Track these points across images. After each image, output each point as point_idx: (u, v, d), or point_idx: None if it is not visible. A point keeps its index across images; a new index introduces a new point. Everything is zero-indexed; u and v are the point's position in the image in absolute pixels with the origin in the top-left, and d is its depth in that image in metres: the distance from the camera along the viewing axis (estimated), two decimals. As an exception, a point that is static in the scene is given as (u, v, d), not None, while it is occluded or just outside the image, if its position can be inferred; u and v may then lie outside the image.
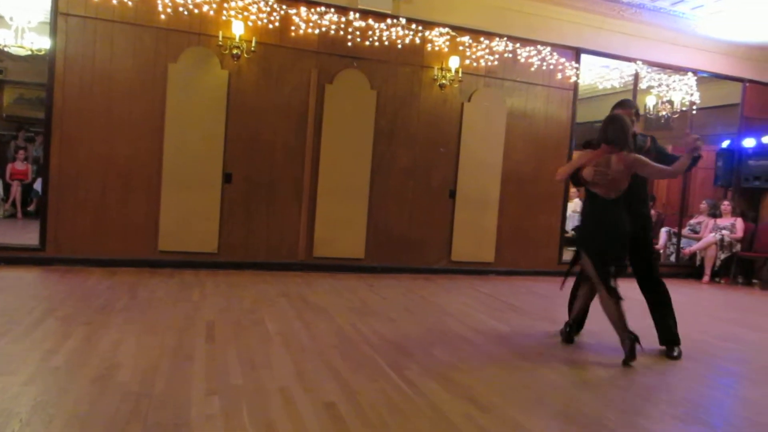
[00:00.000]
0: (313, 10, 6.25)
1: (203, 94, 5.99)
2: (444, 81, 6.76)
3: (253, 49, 6.00)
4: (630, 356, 3.58)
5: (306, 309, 4.57)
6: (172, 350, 3.24)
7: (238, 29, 5.92)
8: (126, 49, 5.77)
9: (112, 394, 2.55)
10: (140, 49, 5.81)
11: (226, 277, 5.68)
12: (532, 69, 7.22)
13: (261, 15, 6.07)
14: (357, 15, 6.39)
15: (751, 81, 8.53)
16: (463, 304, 5.26)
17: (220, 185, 6.11)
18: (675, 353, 3.89)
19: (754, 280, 8.35)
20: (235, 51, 5.95)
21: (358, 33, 6.42)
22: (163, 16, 5.77)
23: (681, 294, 6.84)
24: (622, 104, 4.14)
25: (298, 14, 6.21)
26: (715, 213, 8.62)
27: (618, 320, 3.64)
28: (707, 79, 8.33)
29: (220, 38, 5.89)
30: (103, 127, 5.73)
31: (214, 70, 6.01)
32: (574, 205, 10.66)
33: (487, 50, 6.97)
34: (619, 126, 3.71)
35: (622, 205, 3.73)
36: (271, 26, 6.12)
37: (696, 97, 8.21)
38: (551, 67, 7.29)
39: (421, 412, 2.63)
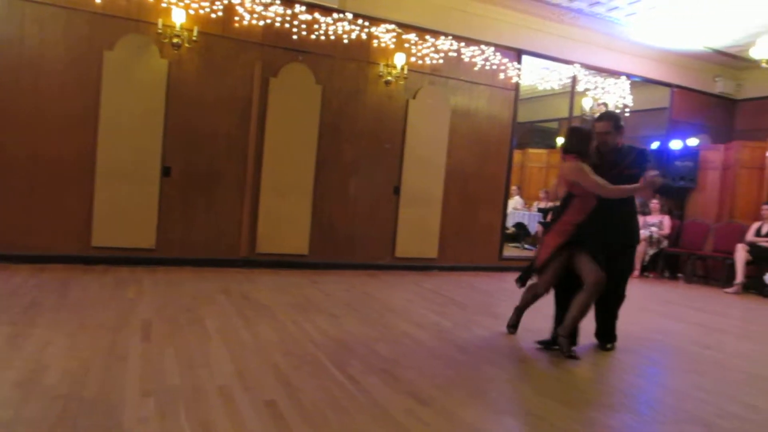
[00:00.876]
0: (257, 0, 6.13)
1: (141, 84, 5.77)
2: (389, 78, 6.79)
3: (194, 38, 5.83)
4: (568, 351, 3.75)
5: (247, 306, 4.49)
6: (105, 351, 3.11)
7: (178, 17, 5.73)
8: (57, 34, 5.48)
9: (37, 398, 2.43)
10: (73, 34, 5.53)
11: (165, 274, 5.51)
12: (476, 68, 7.35)
13: (203, 3, 5.91)
14: (303, 8, 6.32)
15: (678, 86, 9.01)
16: (407, 300, 5.31)
17: (159, 179, 5.91)
18: (609, 345, 4.08)
19: (679, 275, 8.83)
20: (175, 40, 5.76)
21: (303, 26, 6.35)
22: (98, 0, 5.52)
23: (613, 288, 7.15)
24: (600, 118, 4.16)
25: (242, 4, 6.08)
26: (644, 211, 9.05)
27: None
28: (639, 83, 8.73)
29: (160, 26, 5.69)
30: (32, 116, 5.43)
31: (153, 59, 5.80)
32: (515, 203, 10.98)
33: (432, 48, 7.05)
34: (577, 135, 3.88)
35: (560, 206, 3.90)
36: (213, 15, 5.97)
37: (629, 100, 8.59)
38: (494, 67, 7.44)
39: (363, 408, 2.64)
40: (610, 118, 4.11)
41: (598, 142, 3.99)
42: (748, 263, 7.61)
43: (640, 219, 8.83)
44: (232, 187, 6.24)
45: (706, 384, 3.45)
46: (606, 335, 4.14)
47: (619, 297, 4.16)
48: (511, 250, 9.17)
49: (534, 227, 10.34)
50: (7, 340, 3.14)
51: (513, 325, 4.29)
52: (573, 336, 3.86)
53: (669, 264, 8.89)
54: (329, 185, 6.68)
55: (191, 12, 5.85)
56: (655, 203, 8.90)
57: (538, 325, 4.31)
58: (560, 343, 3.79)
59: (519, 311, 4.29)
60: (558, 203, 4.05)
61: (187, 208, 6.07)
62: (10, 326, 3.40)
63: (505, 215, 7.91)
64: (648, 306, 6.27)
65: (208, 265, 6.08)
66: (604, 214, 3.84)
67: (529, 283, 4.11)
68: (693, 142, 9.08)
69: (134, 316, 3.88)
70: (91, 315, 3.82)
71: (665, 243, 8.68)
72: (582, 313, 3.77)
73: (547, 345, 3.95)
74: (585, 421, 2.73)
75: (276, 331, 3.81)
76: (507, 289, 6.36)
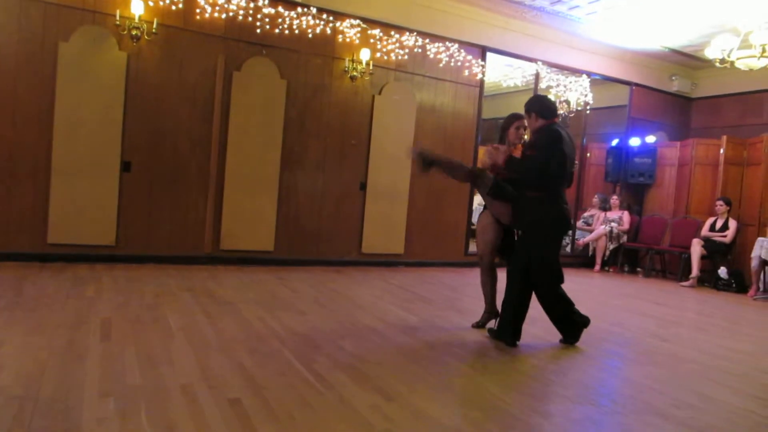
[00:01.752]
0: (219, -7, 6.02)
1: (99, 77, 5.60)
2: (355, 73, 6.76)
3: (154, 30, 5.69)
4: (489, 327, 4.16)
5: (211, 303, 4.42)
6: (62, 350, 3.02)
7: (137, 8, 5.58)
8: (9, 24, 5.27)
9: (-9, 400, 2.34)
10: (26, 25, 5.33)
11: (125, 271, 5.38)
12: (441, 65, 7.39)
13: (163, -5, 5.77)
14: (266, 1, 6.23)
15: (637, 84, 9.25)
16: (374, 296, 5.31)
17: (118, 174, 5.76)
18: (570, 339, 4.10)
19: (638, 269, 9.09)
20: (134, 32, 5.61)
21: (267, 20, 6.27)
22: (52, -10, 5.33)
23: (575, 283, 7.30)
24: None
25: (203, -3, 5.96)
26: (605, 206, 9.28)
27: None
28: (599, 81, 8.93)
29: (118, 18, 5.53)
30: (-18, 109, 5.23)
31: (112, 51, 5.64)
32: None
33: (397, 44, 7.05)
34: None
35: None
36: (174, 7, 5.83)
37: (590, 98, 8.77)
38: (459, 63, 7.50)
39: (329, 404, 2.63)
40: (526, 103, 4.03)
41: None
42: (703, 257, 7.88)
43: (601, 214, 9.12)
44: (195, 182, 6.13)
45: (663, 375, 3.56)
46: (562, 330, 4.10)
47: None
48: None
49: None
50: (-44, 342, 3.01)
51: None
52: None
53: (628, 258, 9.14)
54: (295, 181, 6.62)
55: (150, 3, 5.70)
56: (615, 199, 9.14)
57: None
58: (483, 318, 4.30)
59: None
60: None
61: (149, 204, 5.93)
62: (-40, 327, 3.26)
63: (471, 211, 7.98)
64: (608, 300, 6.43)
65: (170, 262, 5.96)
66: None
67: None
68: (651, 139, 9.34)
69: (93, 315, 3.77)
70: (47, 314, 3.70)
71: (624, 238, 8.92)
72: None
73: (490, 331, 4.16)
74: (548, 413, 2.78)
75: (241, 328, 3.76)
76: (472, 285, 6.42)
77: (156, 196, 5.96)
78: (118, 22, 5.54)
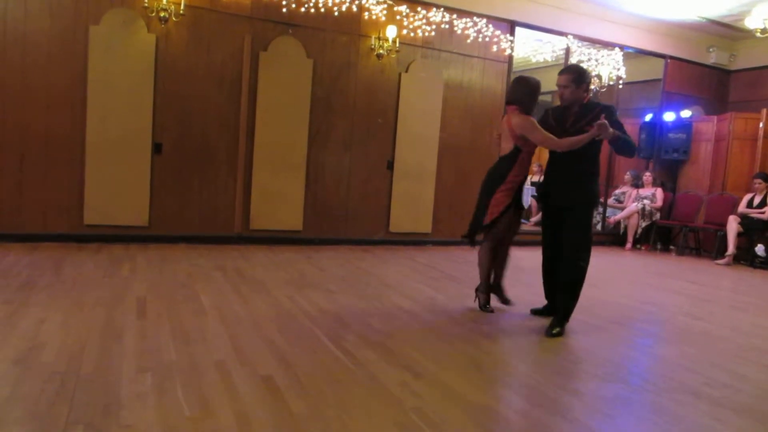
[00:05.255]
0: (245, -27, 6.00)
1: (129, 60, 5.68)
2: (381, 51, 6.70)
3: (181, 12, 5.72)
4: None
5: (242, 282, 4.50)
6: (101, 328, 3.12)
7: (165, -9, 5.62)
8: (42, 10, 5.36)
9: (35, 375, 2.44)
10: (58, 9, 5.42)
11: (158, 251, 5.50)
12: (468, 41, 7.27)
13: (190, -24, 5.78)
14: (292, -20, 6.19)
15: (672, 57, 8.95)
16: (401, 275, 5.34)
17: (150, 156, 5.86)
18: (554, 331, 3.68)
19: (671, 247, 8.90)
20: (162, 14, 5.65)
21: (293, -1, 6.24)
22: (81, -26, 5.39)
23: (606, 261, 7.22)
24: (562, 71, 3.82)
25: (229, -23, 5.96)
26: (637, 183, 9.08)
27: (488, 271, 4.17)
28: (632, 54, 8.67)
29: (146, 0, 5.57)
30: (18, 95, 5.35)
31: (140, 33, 5.70)
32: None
33: (424, 20, 6.95)
34: (523, 86, 3.88)
35: (507, 162, 3.99)
36: (201, -11, 5.85)
37: (622, 72, 8.53)
38: (487, 39, 7.36)
39: (359, 381, 2.67)
40: (571, 71, 3.77)
41: (559, 96, 3.83)
42: (739, 235, 7.68)
43: (633, 191, 8.94)
44: (225, 163, 6.20)
45: (696, 354, 3.51)
46: (556, 313, 3.79)
47: (570, 266, 3.72)
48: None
49: (527, 201, 10.35)
50: (2, 319, 3.14)
51: (504, 301, 4.28)
52: (492, 290, 4.24)
53: (661, 236, 8.96)
54: (322, 160, 6.64)
55: (178, -15, 5.73)
56: (647, 175, 8.93)
57: (529, 298, 4.37)
58: (477, 297, 4.16)
59: (494, 284, 4.28)
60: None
61: (180, 185, 6.03)
62: (5, 305, 3.40)
63: (498, 189, 7.89)
64: (640, 278, 6.33)
65: (202, 242, 6.07)
66: (554, 174, 3.91)
67: (480, 248, 4.29)
68: (686, 113, 9.07)
69: (129, 294, 3.88)
70: (85, 293, 3.83)
71: (657, 215, 8.73)
72: (481, 266, 4.20)
73: (540, 313, 4.10)
74: (578, 391, 2.77)
75: (271, 307, 3.83)
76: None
77: (186, 177, 6.06)
78: (146, 4, 5.58)
